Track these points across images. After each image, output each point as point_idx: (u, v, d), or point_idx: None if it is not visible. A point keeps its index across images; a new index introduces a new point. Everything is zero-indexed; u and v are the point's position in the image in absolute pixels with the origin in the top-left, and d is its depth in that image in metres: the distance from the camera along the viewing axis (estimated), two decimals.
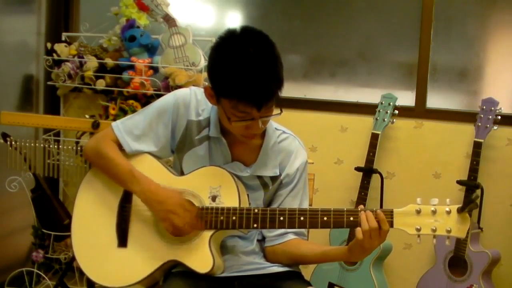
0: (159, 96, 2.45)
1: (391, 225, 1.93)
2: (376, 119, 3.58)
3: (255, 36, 1.97)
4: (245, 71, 1.90)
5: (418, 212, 1.92)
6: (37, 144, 3.32)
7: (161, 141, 2.18)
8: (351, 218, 1.96)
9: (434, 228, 1.90)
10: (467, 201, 1.87)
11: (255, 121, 1.98)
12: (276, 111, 2.02)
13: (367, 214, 1.94)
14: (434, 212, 1.91)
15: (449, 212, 1.90)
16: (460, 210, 1.89)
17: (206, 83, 2.09)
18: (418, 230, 1.91)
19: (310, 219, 2.00)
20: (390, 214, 1.94)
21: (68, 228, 2.21)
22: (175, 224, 2.04)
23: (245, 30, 1.98)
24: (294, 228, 2.04)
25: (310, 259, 2.18)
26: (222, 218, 2.05)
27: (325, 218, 1.98)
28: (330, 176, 3.77)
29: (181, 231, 2.06)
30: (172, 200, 2.06)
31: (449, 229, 1.89)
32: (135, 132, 2.18)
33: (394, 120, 3.58)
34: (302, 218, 2.01)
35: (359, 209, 1.96)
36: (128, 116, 2.25)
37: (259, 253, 2.22)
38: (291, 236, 2.17)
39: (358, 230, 1.93)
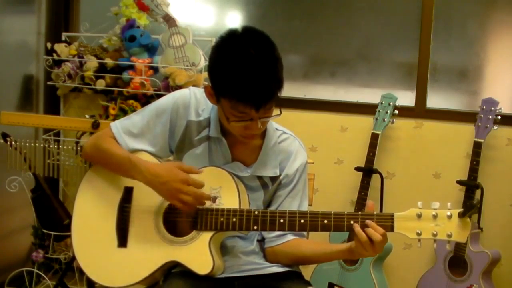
0: (159, 96, 2.46)
1: (392, 229, 1.93)
2: (376, 119, 3.58)
3: (257, 36, 1.97)
4: (245, 72, 1.90)
5: (419, 216, 1.92)
6: (37, 144, 3.32)
7: (158, 141, 2.18)
8: (352, 222, 1.96)
9: (435, 232, 1.90)
10: (468, 206, 1.87)
11: (253, 121, 1.98)
12: (275, 112, 2.02)
13: (369, 232, 1.94)
14: (435, 216, 1.91)
15: (450, 217, 1.90)
16: (461, 215, 1.89)
17: (206, 83, 2.09)
18: (419, 234, 1.91)
19: (311, 222, 2.00)
20: (390, 218, 1.94)
21: (68, 228, 2.21)
22: (184, 201, 2.03)
23: (246, 30, 1.98)
24: (295, 230, 2.04)
25: (311, 259, 2.19)
26: (222, 219, 2.05)
27: (325, 221, 1.98)
28: (330, 176, 3.77)
29: (191, 206, 2.05)
30: (174, 177, 2.03)
31: (450, 233, 1.89)
32: (133, 131, 2.18)
33: (394, 120, 3.58)
34: (302, 221, 2.01)
35: (359, 213, 1.96)
36: (127, 116, 2.26)
37: (259, 253, 2.22)
38: (290, 237, 2.18)
39: (358, 245, 1.94)
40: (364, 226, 1.94)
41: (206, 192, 2.07)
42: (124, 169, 2.12)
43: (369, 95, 3.80)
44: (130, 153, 2.14)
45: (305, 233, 2.23)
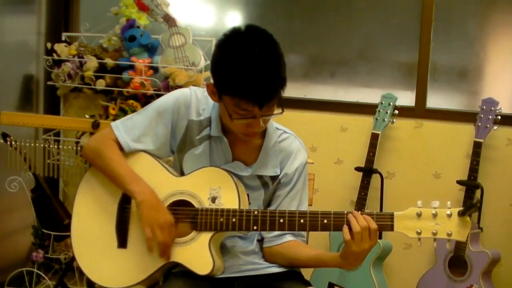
0: (159, 96, 2.45)
1: (392, 228, 1.93)
2: (376, 119, 3.58)
3: (260, 34, 1.97)
4: (248, 69, 1.90)
5: (419, 215, 1.92)
6: (37, 144, 3.32)
7: (160, 141, 2.18)
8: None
9: (434, 231, 1.90)
10: (468, 205, 1.87)
11: (256, 119, 1.98)
12: (277, 110, 2.02)
13: (355, 214, 1.95)
14: (434, 215, 1.91)
15: (450, 216, 1.90)
16: (461, 214, 1.89)
17: (206, 83, 2.09)
18: (419, 233, 1.91)
19: (310, 221, 2.00)
20: (390, 217, 1.94)
21: (68, 228, 2.21)
22: (156, 237, 2.04)
23: (249, 28, 1.99)
24: (294, 230, 2.04)
25: (305, 263, 2.18)
26: (222, 219, 2.05)
27: (325, 221, 1.98)
28: (330, 176, 3.77)
29: (159, 244, 2.06)
30: (165, 216, 2.06)
31: (449, 232, 1.89)
32: (134, 132, 2.18)
33: (394, 120, 3.58)
34: (302, 221, 2.01)
35: (359, 213, 1.96)
36: (128, 116, 2.25)
37: (259, 253, 2.22)
38: (289, 238, 2.18)
39: (346, 232, 1.93)
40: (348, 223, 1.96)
41: (205, 192, 2.08)
42: (122, 180, 2.11)
43: (369, 95, 3.80)
44: (133, 171, 2.13)
45: (304, 233, 2.23)
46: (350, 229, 1.93)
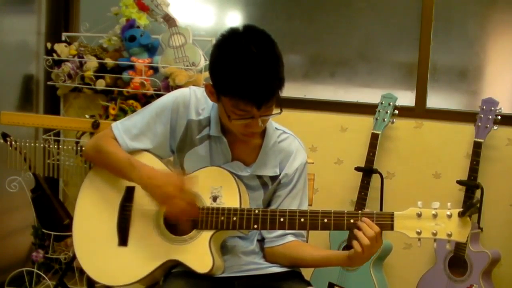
0: (159, 96, 2.46)
1: (391, 228, 1.94)
2: (376, 119, 3.58)
3: (258, 35, 1.97)
4: (246, 70, 1.90)
5: (419, 215, 1.92)
6: (37, 144, 3.32)
7: (159, 140, 2.19)
8: (351, 221, 1.97)
9: (434, 232, 1.90)
10: (468, 205, 1.87)
11: (255, 119, 1.99)
12: (276, 110, 2.02)
13: (360, 226, 1.95)
14: (435, 215, 1.91)
15: (450, 216, 1.90)
16: (461, 214, 1.89)
17: (206, 83, 2.09)
18: (419, 233, 1.92)
19: (311, 220, 2.01)
20: (390, 217, 1.95)
21: (68, 228, 2.21)
22: (173, 208, 2.03)
23: (247, 28, 1.99)
24: (295, 229, 2.05)
25: (309, 263, 2.19)
26: (222, 218, 2.05)
27: (325, 220, 1.99)
28: (330, 176, 3.77)
29: (183, 212, 2.04)
30: (170, 183, 2.03)
31: (450, 233, 1.89)
32: (133, 131, 2.19)
33: (394, 120, 3.58)
34: (302, 220, 2.01)
35: (359, 212, 1.96)
36: (128, 117, 2.26)
37: (259, 253, 2.23)
38: (290, 238, 2.18)
39: (356, 244, 1.94)
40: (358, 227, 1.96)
41: (207, 191, 2.08)
42: (123, 172, 2.13)
43: (369, 95, 3.80)
44: (131, 156, 2.14)
45: (304, 233, 2.23)
46: (358, 240, 1.94)
